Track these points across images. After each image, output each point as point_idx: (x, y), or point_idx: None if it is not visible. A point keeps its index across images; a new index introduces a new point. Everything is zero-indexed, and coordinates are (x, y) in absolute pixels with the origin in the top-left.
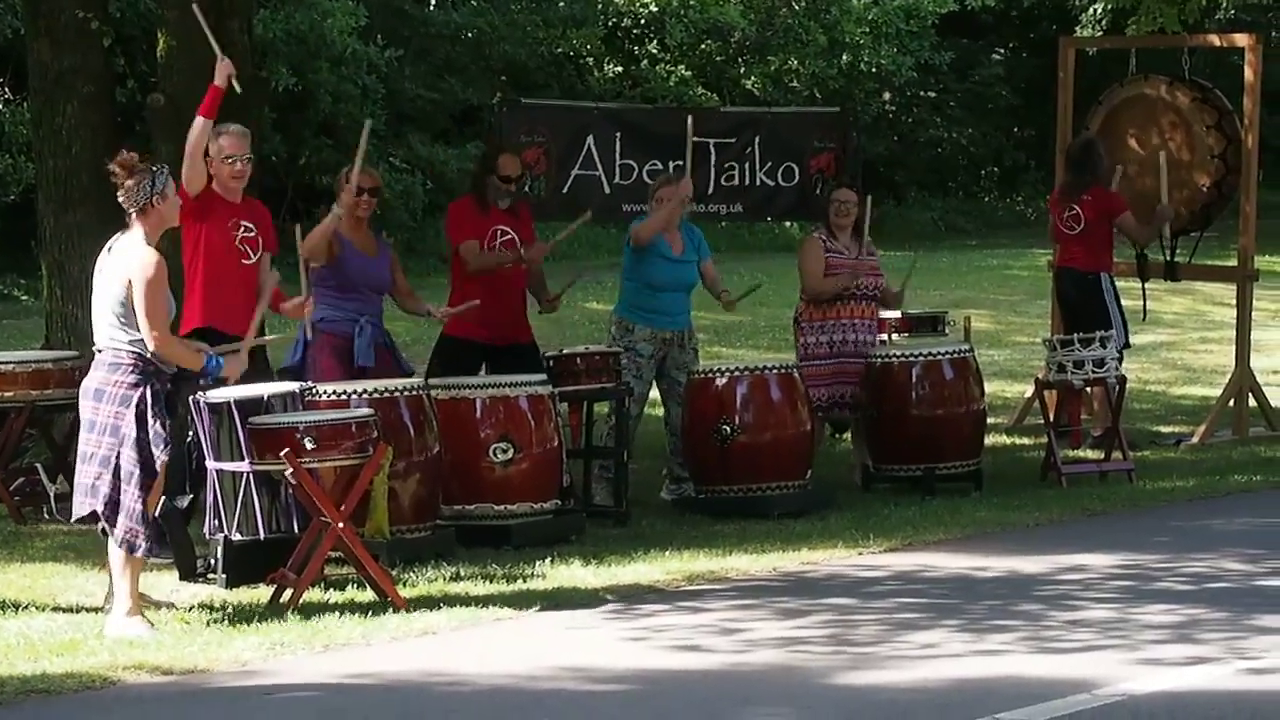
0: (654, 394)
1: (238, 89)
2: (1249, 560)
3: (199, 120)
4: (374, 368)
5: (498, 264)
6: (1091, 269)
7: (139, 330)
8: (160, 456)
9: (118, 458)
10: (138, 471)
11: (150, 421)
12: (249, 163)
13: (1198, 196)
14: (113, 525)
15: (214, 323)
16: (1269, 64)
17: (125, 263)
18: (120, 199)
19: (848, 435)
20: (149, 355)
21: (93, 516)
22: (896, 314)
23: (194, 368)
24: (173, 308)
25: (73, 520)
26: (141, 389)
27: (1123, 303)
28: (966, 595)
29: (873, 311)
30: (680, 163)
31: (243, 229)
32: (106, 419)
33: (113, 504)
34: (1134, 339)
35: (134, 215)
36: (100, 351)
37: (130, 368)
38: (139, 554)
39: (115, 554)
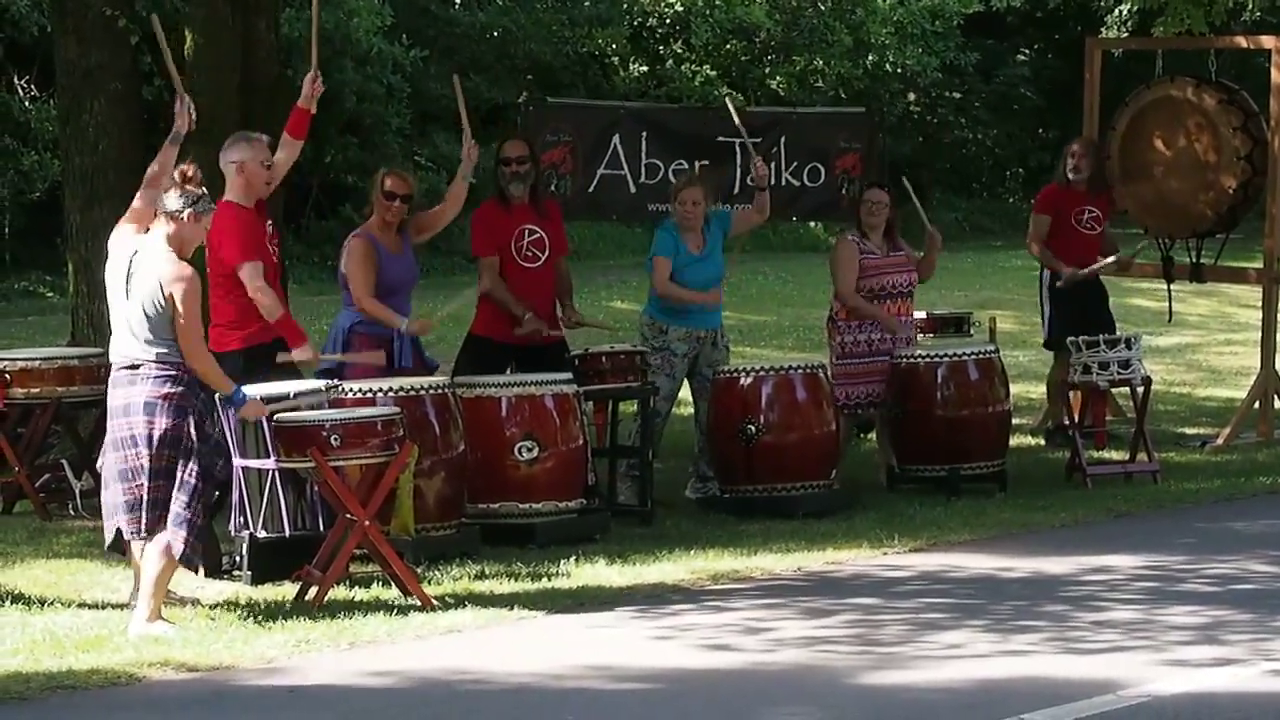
0: (683, 393)
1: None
2: (1274, 562)
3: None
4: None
5: (502, 303)
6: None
7: (177, 340)
8: (223, 467)
9: (180, 470)
10: (200, 484)
11: (209, 432)
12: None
13: (1223, 198)
14: (179, 538)
15: (256, 341)
16: None
17: (162, 274)
18: (161, 196)
19: (873, 435)
20: (188, 364)
21: (119, 536)
22: (922, 314)
23: (221, 390)
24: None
25: (107, 546)
26: (191, 399)
27: (1084, 306)
28: (991, 596)
29: (909, 308)
30: (706, 162)
31: (269, 238)
32: (161, 430)
33: (175, 517)
34: (1160, 340)
35: (163, 215)
36: (136, 366)
37: (175, 379)
38: (194, 569)
39: (150, 562)
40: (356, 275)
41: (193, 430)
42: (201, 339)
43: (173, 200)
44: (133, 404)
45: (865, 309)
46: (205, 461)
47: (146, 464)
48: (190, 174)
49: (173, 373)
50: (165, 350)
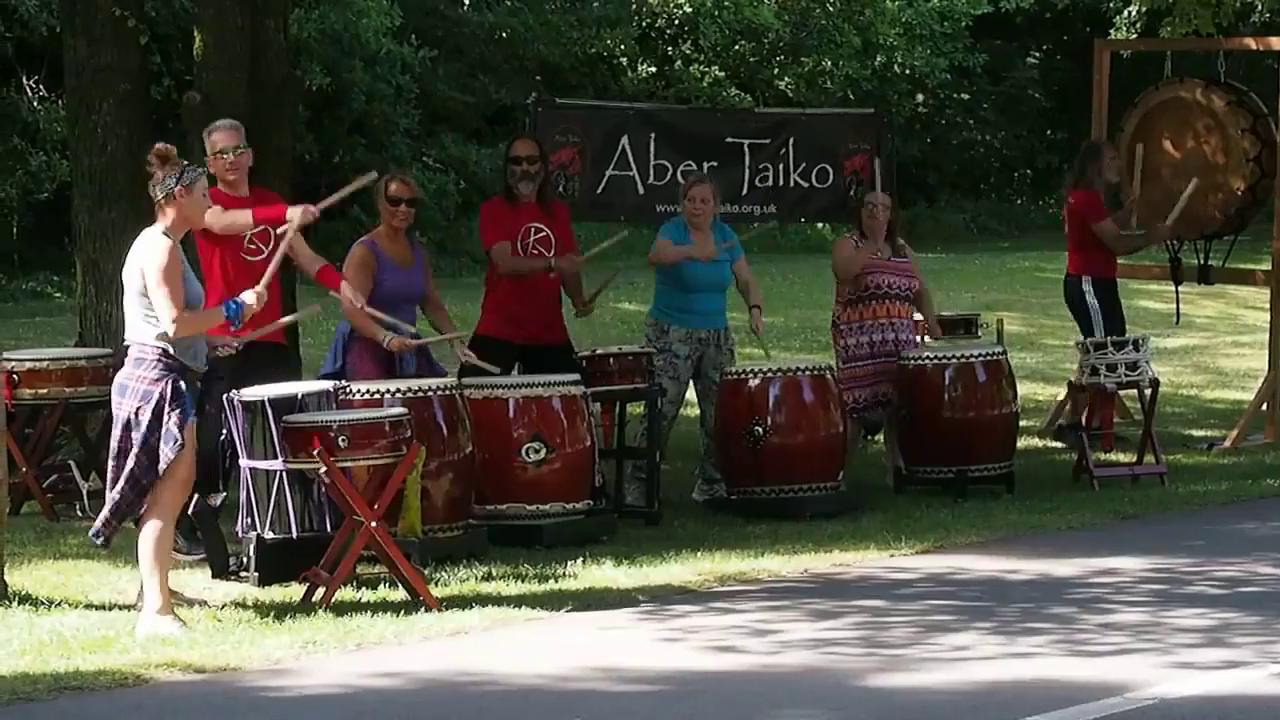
0: (689, 394)
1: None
2: None
3: (246, 218)
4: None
5: (529, 270)
6: (1073, 271)
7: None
8: (167, 454)
9: (128, 450)
10: (134, 466)
11: (165, 417)
12: (242, 154)
13: (1232, 200)
14: (100, 514)
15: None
16: None
17: (140, 252)
18: (150, 188)
19: (880, 437)
20: (174, 352)
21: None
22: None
23: (219, 323)
24: (200, 293)
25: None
26: (162, 384)
27: (1111, 308)
28: (998, 598)
29: (908, 311)
30: (714, 163)
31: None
32: (128, 414)
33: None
34: (1167, 342)
35: (159, 206)
36: (129, 346)
37: (153, 363)
38: (99, 544)
39: (144, 552)
40: (350, 283)
41: (150, 414)
42: (175, 301)
43: (159, 187)
44: (116, 384)
45: (861, 260)
46: (151, 449)
47: (114, 445)
48: (165, 153)
49: (146, 356)
50: (143, 333)
